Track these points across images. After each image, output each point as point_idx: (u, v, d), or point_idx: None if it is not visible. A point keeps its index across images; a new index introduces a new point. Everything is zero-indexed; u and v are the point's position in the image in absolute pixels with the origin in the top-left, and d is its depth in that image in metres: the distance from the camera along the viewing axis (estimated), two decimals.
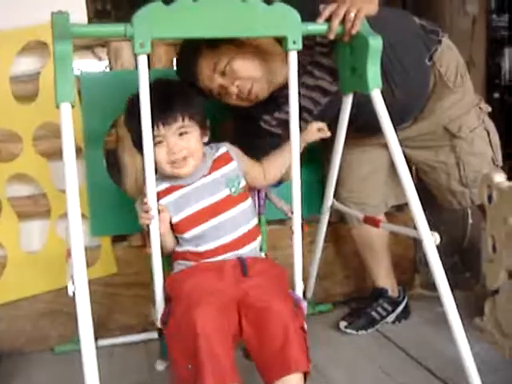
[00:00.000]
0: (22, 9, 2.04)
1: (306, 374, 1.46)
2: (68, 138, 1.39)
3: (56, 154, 2.11)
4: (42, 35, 2.04)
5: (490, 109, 2.23)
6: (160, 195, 1.64)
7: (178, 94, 1.66)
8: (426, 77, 2.09)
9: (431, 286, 2.48)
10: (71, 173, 1.37)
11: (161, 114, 1.57)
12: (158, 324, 1.63)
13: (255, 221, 1.76)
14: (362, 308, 2.36)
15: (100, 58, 6.18)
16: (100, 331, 2.14)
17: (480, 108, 2.21)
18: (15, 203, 2.14)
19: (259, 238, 1.76)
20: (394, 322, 2.38)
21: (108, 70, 2.26)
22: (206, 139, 1.71)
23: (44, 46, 2.07)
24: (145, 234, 1.63)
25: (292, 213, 1.70)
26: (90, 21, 2.17)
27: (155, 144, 1.56)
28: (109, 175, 2.19)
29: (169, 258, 1.73)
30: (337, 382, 1.97)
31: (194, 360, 1.39)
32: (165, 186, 1.68)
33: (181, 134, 1.62)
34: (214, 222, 1.66)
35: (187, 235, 1.67)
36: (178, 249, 1.71)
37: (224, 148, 1.75)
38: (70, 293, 1.36)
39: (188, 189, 1.68)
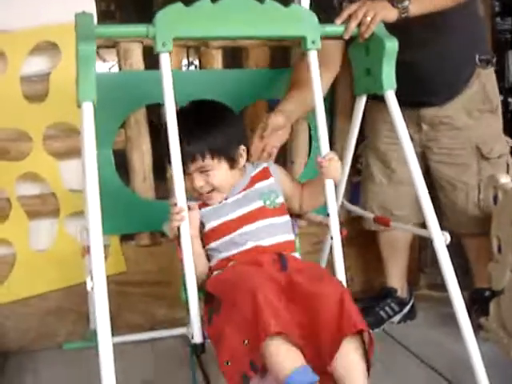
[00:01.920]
0: (32, 9, 2.06)
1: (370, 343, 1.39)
2: (89, 137, 1.41)
3: (66, 154, 2.14)
4: (52, 36, 2.06)
5: None
6: (202, 205, 1.65)
7: (203, 128, 1.62)
8: (468, 68, 2.12)
9: (436, 286, 2.51)
10: (92, 171, 1.39)
11: (184, 149, 1.54)
12: (196, 339, 1.51)
13: (292, 237, 1.70)
14: (369, 307, 2.37)
15: (104, 60, 6.23)
16: None
17: (507, 140, 2.24)
18: (25, 202, 2.16)
19: (297, 253, 1.71)
20: (400, 322, 2.39)
21: (112, 71, 2.27)
22: (240, 164, 1.68)
23: (54, 47, 2.09)
24: (174, 239, 1.56)
25: (328, 215, 1.65)
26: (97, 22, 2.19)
27: (186, 174, 1.56)
28: (117, 175, 2.20)
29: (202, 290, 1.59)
30: None
31: (253, 325, 1.31)
32: (197, 202, 1.65)
33: (202, 172, 1.62)
34: (245, 230, 1.62)
35: (216, 244, 1.63)
36: (211, 263, 1.65)
37: (265, 164, 1.75)
38: (89, 288, 1.38)
39: (224, 203, 1.66)
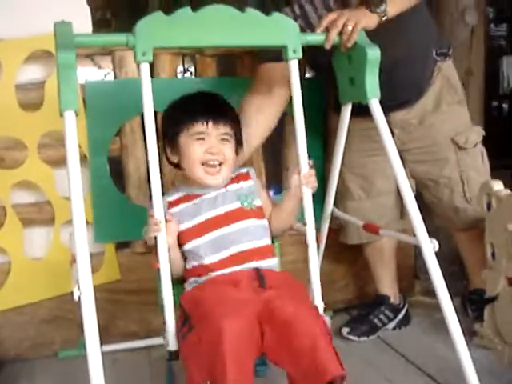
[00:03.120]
0: (27, 18, 2.07)
1: (342, 380, 1.38)
2: (72, 146, 1.41)
3: (60, 162, 2.13)
4: (47, 44, 2.05)
5: (484, 133, 2.27)
6: (173, 204, 1.67)
7: (228, 104, 1.72)
8: (429, 65, 2.14)
9: (431, 293, 2.50)
10: (75, 180, 1.39)
11: (213, 112, 1.63)
12: (171, 346, 1.54)
13: (269, 241, 1.70)
14: (363, 315, 2.38)
15: (99, 66, 6.23)
16: (103, 337, 2.14)
17: (478, 130, 2.26)
18: (19, 210, 2.16)
19: (276, 258, 1.70)
20: (394, 329, 2.40)
21: (107, 78, 2.28)
22: (239, 154, 1.76)
23: (49, 55, 2.09)
24: (152, 248, 1.59)
25: (305, 224, 1.68)
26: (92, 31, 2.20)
27: (197, 139, 1.62)
28: (113, 182, 2.21)
29: (178, 284, 1.66)
30: None
31: (215, 371, 1.32)
32: (181, 194, 1.69)
33: (222, 140, 1.65)
34: (221, 232, 1.62)
35: (193, 245, 1.62)
36: (188, 266, 1.65)
37: (246, 169, 1.77)
38: (76, 298, 1.38)
39: (202, 198, 1.67)
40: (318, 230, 1.70)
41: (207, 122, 1.62)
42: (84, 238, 1.37)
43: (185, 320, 1.51)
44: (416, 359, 2.13)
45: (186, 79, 4.18)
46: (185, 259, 1.66)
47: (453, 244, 2.41)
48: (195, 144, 1.62)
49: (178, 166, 1.71)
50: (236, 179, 1.72)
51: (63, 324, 2.23)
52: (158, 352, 2.20)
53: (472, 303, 2.37)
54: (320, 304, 1.68)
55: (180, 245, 1.65)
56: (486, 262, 2.08)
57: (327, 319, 1.54)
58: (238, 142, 1.73)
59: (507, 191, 1.98)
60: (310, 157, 2.36)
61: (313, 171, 1.68)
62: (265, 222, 1.70)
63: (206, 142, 1.63)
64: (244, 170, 1.76)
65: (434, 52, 2.15)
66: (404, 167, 2.19)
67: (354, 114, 1.93)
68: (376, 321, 2.35)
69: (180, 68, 5.62)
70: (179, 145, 1.66)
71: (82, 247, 1.37)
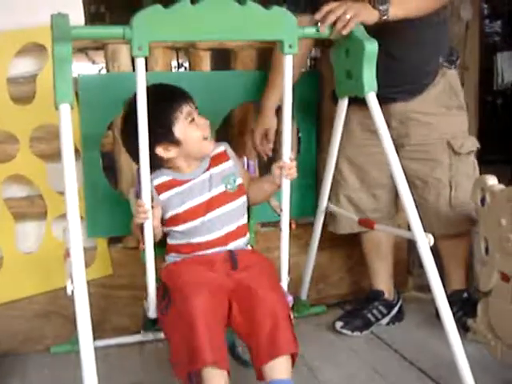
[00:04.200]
0: (19, 11, 2.05)
1: (293, 359, 1.57)
2: (67, 139, 1.40)
3: (53, 156, 2.12)
4: (39, 37, 2.05)
5: (478, 145, 2.29)
6: (161, 187, 1.74)
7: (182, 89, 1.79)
8: (436, 65, 2.16)
9: (424, 288, 2.51)
10: (70, 174, 1.39)
11: (184, 94, 1.75)
12: (151, 314, 1.75)
13: (246, 217, 1.84)
14: (357, 309, 2.38)
15: (94, 61, 6.22)
16: (95, 332, 2.14)
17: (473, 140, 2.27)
18: (11, 204, 2.14)
19: (248, 234, 1.85)
20: (388, 324, 2.40)
21: (102, 72, 2.27)
22: None
23: (41, 48, 2.07)
24: (136, 229, 1.72)
25: (281, 210, 1.78)
26: (84, 24, 2.18)
27: (190, 122, 1.71)
28: (105, 177, 2.20)
29: (159, 247, 1.78)
30: (330, 382, 1.98)
31: (191, 343, 1.50)
32: (167, 178, 1.76)
33: (199, 115, 1.77)
34: (209, 216, 1.75)
35: (182, 227, 1.75)
36: (171, 242, 1.80)
37: (222, 147, 1.84)
38: (69, 292, 1.37)
39: (189, 184, 1.76)
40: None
41: (188, 103, 1.72)
42: (78, 231, 1.37)
43: (164, 293, 1.70)
44: (409, 354, 2.13)
45: (180, 73, 4.16)
46: (166, 234, 1.80)
47: None
48: (191, 126, 1.72)
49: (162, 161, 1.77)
50: (217, 160, 1.81)
51: (56, 319, 2.22)
52: (151, 347, 2.21)
53: (452, 305, 2.35)
54: (285, 284, 1.83)
55: (164, 226, 1.78)
56: (480, 257, 2.08)
57: (290, 299, 1.74)
58: None
59: (501, 186, 1.97)
60: (300, 150, 2.38)
61: (294, 163, 1.74)
62: (244, 198, 1.83)
63: (195, 122, 1.74)
64: (221, 149, 1.84)
65: (442, 59, 2.16)
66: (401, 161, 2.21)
67: (352, 102, 1.93)
68: (370, 316, 2.35)
69: (174, 63, 5.60)
70: (176, 134, 1.71)
71: (76, 241, 1.36)
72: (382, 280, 2.42)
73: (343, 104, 1.91)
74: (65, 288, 1.49)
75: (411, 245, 2.63)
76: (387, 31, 1.83)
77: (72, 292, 1.37)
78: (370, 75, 1.70)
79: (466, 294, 2.36)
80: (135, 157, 1.67)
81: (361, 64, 1.69)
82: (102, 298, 2.23)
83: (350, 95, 1.86)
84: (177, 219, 1.76)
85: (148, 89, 1.58)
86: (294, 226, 1.81)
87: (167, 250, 1.81)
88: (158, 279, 1.75)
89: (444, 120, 2.18)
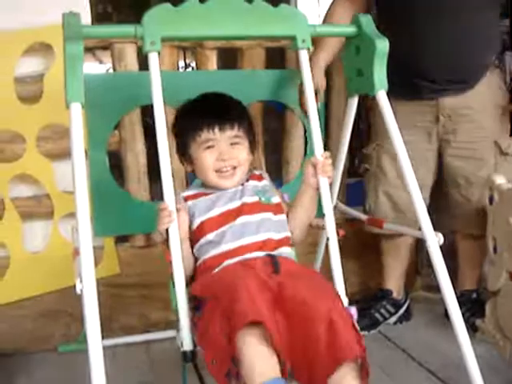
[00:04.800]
0: (26, 10, 2.05)
1: (364, 367, 1.29)
2: (78, 139, 1.39)
3: (59, 155, 2.13)
4: (46, 37, 2.05)
5: None
6: (189, 198, 1.61)
7: (235, 104, 1.66)
8: (489, 58, 2.15)
9: (433, 288, 2.50)
10: (80, 173, 1.37)
11: (218, 118, 1.57)
12: (185, 347, 1.45)
13: (287, 234, 1.62)
14: (365, 308, 2.36)
15: (101, 61, 6.22)
16: (102, 331, 2.14)
17: None
18: (18, 204, 2.15)
19: (293, 249, 1.63)
20: (395, 323, 2.39)
21: (110, 72, 2.27)
22: (251, 157, 1.67)
23: (48, 48, 2.08)
24: (163, 242, 1.53)
25: (324, 227, 1.64)
26: (91, 24, 2.18)
27: (206, 148, 1.57)
28: (112, 176, 2.20)
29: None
30: None
31: (230, 317, 1.26)
32: (197, 190, 1.63)
33: (232, 144, 1.59)
34: (241, 221, 1.55)
35: (211, 235, 1.54)
36: (198, 263, 1.57)
37: (258, 171, 1.72)
38: (78, 290, 1.36)
39: (215, 194, 1.61)
40: (338, 223, 1.63)
41: (213, 129, 1.56)
42: (88, 230, 1.36)
43: (197, 305, 1.47)
44: (417, 354, 2.12)
45: (189, 72, 4.16)
46: (196, 259, 1.58)
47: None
48: (205, 152, 1.57)
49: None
50: (251, 178, 1.67)
51: (62, 318, 2.22)
52: (158, 346, 2.21)
53: (461, 306, 2.33)
54: (343, 296, 1.61)
55: (194, 242, 1.57)
56: (488, 257, 2.08)
57: (353, 311, 1.47)
58: (252, 142, 1.66)
59: (509, 185, 1.97)
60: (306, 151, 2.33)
61: (329, 160, 1.63)
62: (284, 217, 1.63)
63: (215, 149, 1.57)
64: (257, 173, 1.71)
65: (494, 56, 2.16)
66: (442, 159, 2.20)
67: (397, 96, 1.92)
68: (377, 315, 2.34)
69: (181, 63, 5.60)
70: (190, 155, 1.61)
71: (86, 240, 1.35)
72: (394, 279, 2.41)
73: (353, 102, 1.91)
74: (72, 287, 1.49)
75: (420, 244, 2.62)
76: (463, 17, 1.87)
77: (81, 291, 1.36)
78: (381, 73, 1.69)
79: (475, 295, 2.35)
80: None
81: (372, 62, 1.68)
82: (109, 297, 2.23)
83: (361, 93, 1.86)
84: (205, 226, 1.55)
85: (203, 95, 1.62)
86: (342, 233, 1.67)
87: (197, 271, 1.57)
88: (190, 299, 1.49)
89: (492, 118, 2.16)
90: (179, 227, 1.49)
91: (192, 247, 1.57)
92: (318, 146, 1.66)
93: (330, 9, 2.15)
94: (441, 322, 2.22)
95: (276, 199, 1.64)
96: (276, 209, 1.62)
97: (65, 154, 2.11)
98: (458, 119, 2.15)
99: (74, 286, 1.42)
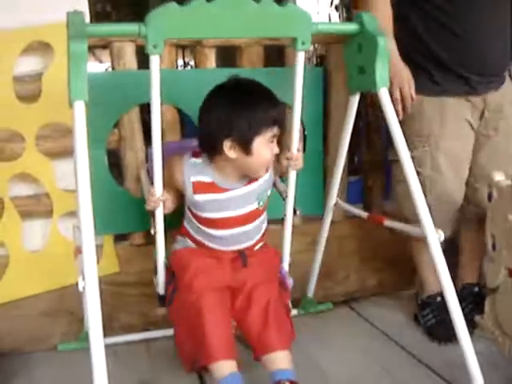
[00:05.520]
0: (25, 9, 2.04)
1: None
2: (81, 137, 1.40)
3: (59, 154, 2.13)
4: (45, 36, 2.05)
5: None
6: (199, 186, 1.74)
7: (274, 97, 1.72)
8: None
9: None
10: (83, 171, 1.39)
11: (280, 115, 1.71)
12: (160, 290, 1.90)
13: (266, 224, 1.93)
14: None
15: (101, 61, 6.21)
16: (103, 330, 2.14)
17: None
18: (18, 202, 2.14)
19: (265, 213, 1.90)
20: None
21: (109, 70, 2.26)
22: None
23: (47, 47, 2.07)
24: (149, 213, 1.77)
25: (286, 196, 1.86)
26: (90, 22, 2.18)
27: (270, 143, 1.67)
28: (111, 174, 2.20)
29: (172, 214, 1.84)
30: (338, 380, 1.97)
31: (199, 339, 1.62)
32: (208, 179, 1.75)
33: (272, 142, 1.71)
34: (237, 231, 1.81)
35: (209, 230, 1.81)
36: (189, 229, 1.86)
37: None
38: (81, 288, 1.37)
39: (227, 195, 1.77)
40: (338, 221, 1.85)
41: (279, 125, 1.68)
42: (91, 228, 1.38)
43: (170, 279, 1.84)
44: (416, 351, 2.13)
45: (187, 71, 4.15)
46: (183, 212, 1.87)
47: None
48: (268, 148, 1.68)
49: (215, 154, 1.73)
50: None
51: (62, 317, 2.22)
52: (158, 345, 2.21)
53: (461, 301, 2.31)
54: (287, 263, 2.00)
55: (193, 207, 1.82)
56: (487, 253, 2.08)
57: (290, 282, 1.92)
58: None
59: (508, 182, 1.97)
60: (305, 148, 2.35)
61: (300, 154, 1.80)
62: (266, 208, 1.88)
63: (272, 146, 1.70)
64: None
65: None
66: (478, 152, 2.19)
67: (448, 93, 1.98)
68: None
69: (180, 62, 5.59)
70: (251, 147, 1.66)
71: (89, 238, 1.37)
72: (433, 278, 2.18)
73: (354, 100, 1.91)
74: (71, 286, 1.50)
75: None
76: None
77: (83, 288, 1.36)
78: (382, 71, 1.70)
79: (476, 288, 2.33)
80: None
81: (374, 60, 1.69)
82: (109, 295, 2.22)
83: (362, 91, 1.86)
84: (210, 222, 1.80)
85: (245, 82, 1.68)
86: (298, 211, 1.89)
87: (181, 231, 1.89)
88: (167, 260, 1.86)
89: None
90: (164, 208, 1.74)
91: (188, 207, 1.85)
92: (294, 141, 1.78)
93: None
94: None
95: (269, 192, 1.84)
96: (265, 206, 1.86)
97: (64, 153, 2.11)
98: (500, 115, 2.16)
99: (75, 284, 1.43)
